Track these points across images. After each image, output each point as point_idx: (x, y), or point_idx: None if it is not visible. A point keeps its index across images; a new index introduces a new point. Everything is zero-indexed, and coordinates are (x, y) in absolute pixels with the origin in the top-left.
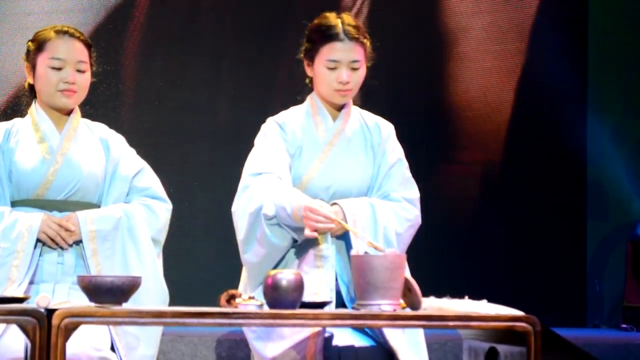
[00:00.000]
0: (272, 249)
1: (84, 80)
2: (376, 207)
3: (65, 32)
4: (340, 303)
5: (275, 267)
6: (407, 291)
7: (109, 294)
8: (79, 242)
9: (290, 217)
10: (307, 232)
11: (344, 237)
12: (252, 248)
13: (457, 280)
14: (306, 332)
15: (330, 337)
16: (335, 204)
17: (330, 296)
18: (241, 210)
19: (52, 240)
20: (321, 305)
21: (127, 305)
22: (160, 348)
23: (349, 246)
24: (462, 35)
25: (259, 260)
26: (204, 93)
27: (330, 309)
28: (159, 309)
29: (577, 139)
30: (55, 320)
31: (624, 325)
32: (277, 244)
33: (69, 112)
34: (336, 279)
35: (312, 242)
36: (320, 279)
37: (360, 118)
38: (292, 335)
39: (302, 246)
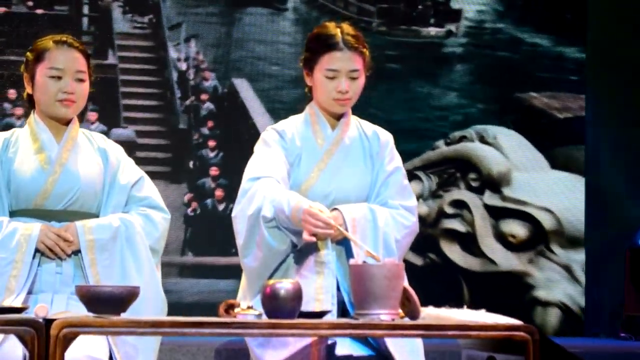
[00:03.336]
0: (270, 253)
1: (83, 90)
2: (376, 212)
3: (64, 42)
4: (342, 309)
5: (275, 272)
6: (405, 300)
7: (107, 303)
8: (77, 252)
9: (288, 219)
10: (305, 236)
11: (344, 244)
12: (251, 252)
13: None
14: (308, 339)
15: (333, 345)
16: (335, 209)
17: (332, 302)
18: (241, 214)
19: (51, 250)
20: (320, 314)
21: (125, 315)
22: (158, 358)
23: (349, 253)
24: None
25: (258, 264)
26: None
27: (332, 316)
28: (157, 319)
29: (575, 145)
30: (53, 331)
31: (623, 334)
32: (275, 247)
33: (67, 122)
34: (337, 286)
35: (312, 248)
36: (320, 284)
37: (358, 127)
38: (294, 342)
39: (302, 252)
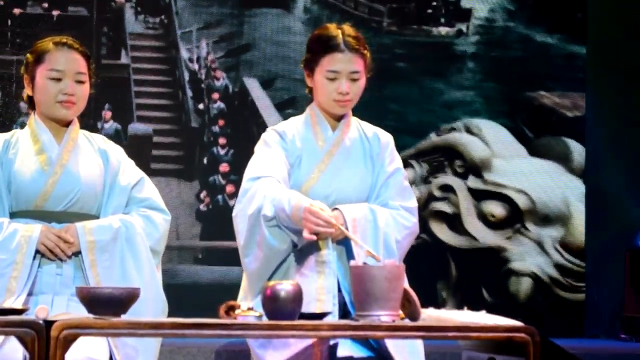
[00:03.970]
0: (271, 252)
1: (83, 91)
2: (377, 212)
3: (64, 44)
4: (343, 310)
5: (275, 271)
6: (406, 302)
7: (107, 305)
8: (77, 254)
9: (289, 217)
10: (306, 235)
11: (344, 243)
12: (252, 252)
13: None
14: (310, 339)
15: (335, 345)
16: (336, 209)
17: (333, 302)
18: (241, 213)
19: (51, 251)
20: (320, 315)
21: (125, 317)
22: (158, 359)
23: (349, 253)
24: None
25: (259, 265)
26: None
27: (334, 317)
28: (158, 321)
29: (575, 147)
30: (53, 332)
31: (623, 335)
32: (276, 246)
33: (67, 124)
34: (338, 286)
35: (313, 248)
36: (321, 284)
37: (359, 128)
38: (296, 342)
39: (303, 251)
